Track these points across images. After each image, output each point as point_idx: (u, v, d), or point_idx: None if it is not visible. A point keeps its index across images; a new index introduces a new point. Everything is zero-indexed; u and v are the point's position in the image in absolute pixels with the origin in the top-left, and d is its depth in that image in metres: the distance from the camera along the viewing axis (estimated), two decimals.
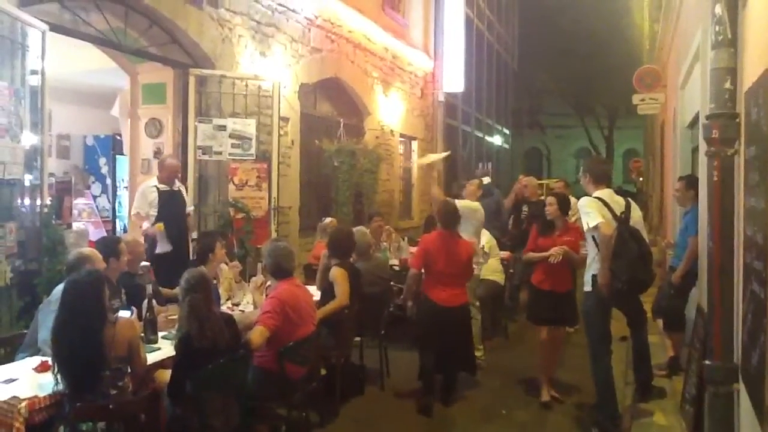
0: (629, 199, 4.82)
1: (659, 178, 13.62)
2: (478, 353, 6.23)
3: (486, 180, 8.38)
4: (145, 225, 6.36)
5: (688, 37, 6.33)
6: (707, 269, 3.09)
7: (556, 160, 39.14)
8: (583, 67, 26.64)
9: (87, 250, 4.52)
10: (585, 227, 4.66)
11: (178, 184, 6.64)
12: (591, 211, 4.58)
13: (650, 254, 4.73)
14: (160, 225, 6.23)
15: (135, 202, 6.59)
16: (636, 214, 4.75)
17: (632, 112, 16.24)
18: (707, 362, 2.96)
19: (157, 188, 6.44)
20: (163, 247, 6.24)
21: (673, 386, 5.43)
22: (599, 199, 4.67)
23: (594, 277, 4.68)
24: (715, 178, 2.94)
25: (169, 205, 6.45)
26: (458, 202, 6.18)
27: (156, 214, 6.35)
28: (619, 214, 4.64)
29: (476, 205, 6.48)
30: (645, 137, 23.53)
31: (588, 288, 4.76)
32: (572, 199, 6.53)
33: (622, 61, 21.54)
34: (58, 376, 3.17)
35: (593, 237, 4.61)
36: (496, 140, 22.95)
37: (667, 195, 10.52)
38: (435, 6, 14.98)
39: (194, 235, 6.76)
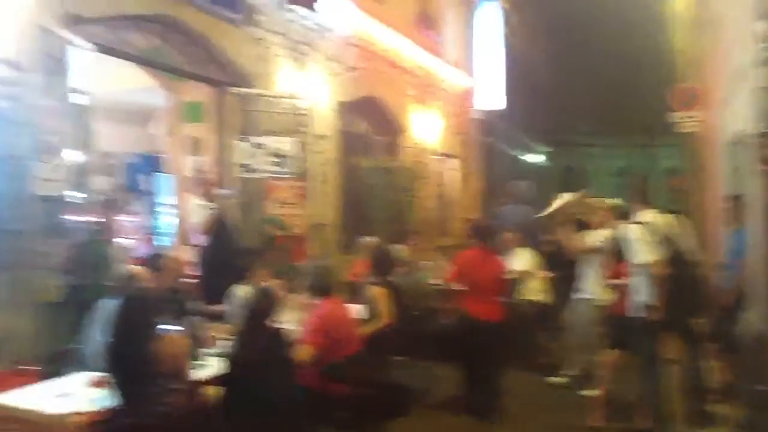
0: (677, 216, 4.69)
1: (700, 198, 13.33)
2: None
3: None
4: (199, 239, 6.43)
5: (729, 54, 6.20)
6: None
7: (594, 178, 38.65)
8: (622, 84, 26.41)
9: (133, 267, 4.56)
10: (632, 259, 4.56)
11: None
12: (638, 244, 4.47)
13: (699, 277, 4.60)
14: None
15: (194, 217, 6.62)
16: (684, 230, 4.62)
17: (672, 130, 15.98)
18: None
19: (203, 205, 6.47)
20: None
21: (726, 411, 5.24)
22: (644, 223, 4.54)
23: (641, 302, 4.56)
24: None
25: (217, 222, 6.51)
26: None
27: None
28: (666, 237, 4.51)
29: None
30: (685, 155, 23.12)
31: (636, 313, 4.64)
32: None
33: (661, 79, 21.28)
34: (111, 391, 3.16)
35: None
36: (533, 158, 22.79)
37: (708, 214, 10.29)
38: (470, 23, 14.98)
39: None
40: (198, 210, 6.45)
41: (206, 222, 6.38)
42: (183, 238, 7.46)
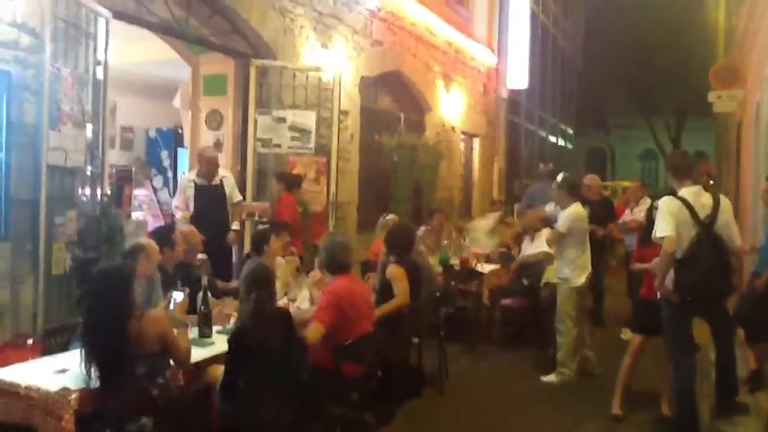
0: (720, 196, 4.44)
1: (734, 181, 12.94)
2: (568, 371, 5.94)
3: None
4: (179, 215, 6.33)
5: None
6: None
7: (620, 161, 38.00)
8: (651, 66, 25.76)
9: (143, 239, 4.46)
10: (653, 234, 4.36)
11: (219, 177, 6.54)
12: (663, 218, 4.26)
13: (729, 264, 4.37)
14: (186, 214, 6.31)
15: (176, 196, 6.56)
16: (725, 212, 4.38)
17: (702, 114, 15.49)
18: None
19: (195, 183, 6.36)
20: None
21: (757, 402, 5.03)
22: (682, 199, 4.32)
23: (665, 285, 4.36)
24: None
25: (205, 199, 6.38)
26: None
27: (193, 208, 6.34)
28: (702, 217, 4.29)
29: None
30: (717, 138, 22.52)
31: (661, 296, 4.45)
32: (648, 200, 6.22)
33: (692, 60, 20.71)
34: (90, 370, 3.04)
35: None
36: (559, 139, 22.40)
37: (743, 198, 9.96)
38: (501, 1, 14.64)
39: (235, 225, 6.66)
40: (189, 188, 6.40)
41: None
42: None
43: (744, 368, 5.54)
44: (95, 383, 3.03)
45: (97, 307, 3.12)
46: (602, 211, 7.88)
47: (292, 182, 7.00)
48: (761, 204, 6.27)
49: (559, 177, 6.23)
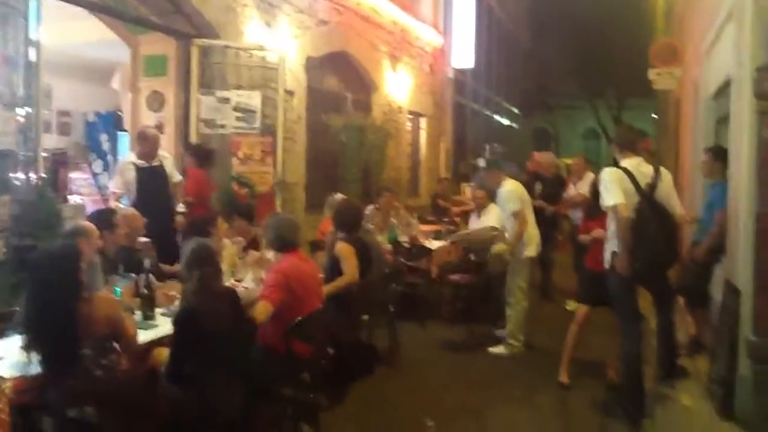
0: (660, 167, 4.54)
1: (673, 156, 13.30)
2: (517, 343, 6.04)
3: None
4: (113, 201, 6.11)
5: (713, 5, 6.02)
6: (756, 238, 2.81)
7: (564, 140, 38.57)
8: (594, 47, 26.15)
9: (83, 223, 4.32)
10: (602, 203, 4.42)
11: (159, 157, 6.29)
12: (610, 187, 4.33)
13: (673, 232, 4.47)
14: (116, 205, 6.02)
15: (113, 180, 6.29)
16: (666, 183, 4.48)
17: (643, 93, 15.80)
18: (753, 338, 2.72)
19: (135, 165, 6.11)
20: None
21: (696, 366, 5.19)
22: (624, 169, 4.40)
23: (613, 254, 4.44)
24: None
25: (148, 181, 6.12)
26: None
27: (135, 192, 6.08)
28: (644, 186, 4.37)
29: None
30: (658, 115, 23.10)
31: (607, 265, 4.53)
32: (591, 175, 6.34)
33: (634, 42, 21.12)
34: (32, 356, 2.92)
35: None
36: (505, 120, 22.60)
37: (682, 172, 10.23)
38: None
39: (180, 208, 6.34)
40: (129, 171, 6.12)
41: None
42: None
43: (683, 334, 5.72)
44: (35, 370, 2.92)
45: (42, 290, 2.98)
46: (554, 188, 8.00)
47: (201, 157, 6.57)
48: (700, 176, 6.43)
49: (481, 161, 6.33)
